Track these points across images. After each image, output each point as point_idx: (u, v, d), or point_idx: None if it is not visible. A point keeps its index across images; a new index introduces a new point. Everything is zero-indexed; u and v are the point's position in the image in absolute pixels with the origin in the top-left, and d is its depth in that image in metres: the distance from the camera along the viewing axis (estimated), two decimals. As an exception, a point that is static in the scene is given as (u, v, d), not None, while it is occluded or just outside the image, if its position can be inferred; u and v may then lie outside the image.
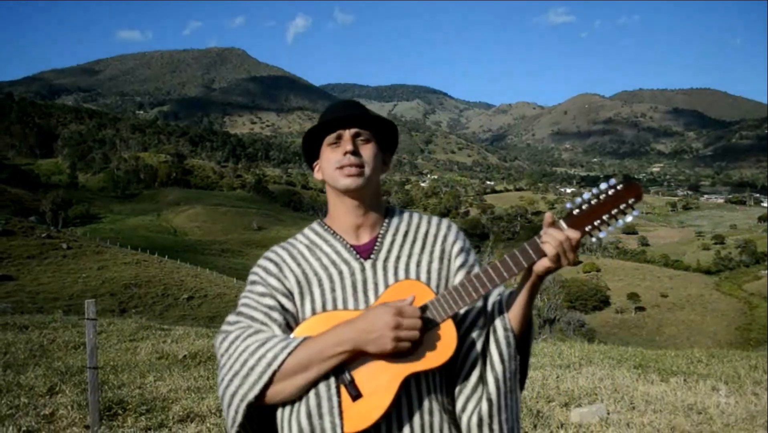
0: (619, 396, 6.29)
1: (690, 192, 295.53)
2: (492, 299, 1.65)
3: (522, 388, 1.68)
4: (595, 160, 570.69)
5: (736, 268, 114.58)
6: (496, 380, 1.56)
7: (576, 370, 7.79)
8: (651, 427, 5.23)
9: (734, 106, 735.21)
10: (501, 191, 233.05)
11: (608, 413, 5.63)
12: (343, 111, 1.62)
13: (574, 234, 1.46)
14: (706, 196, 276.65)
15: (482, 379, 1.58)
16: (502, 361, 1.57)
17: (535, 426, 5.26)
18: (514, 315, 1.59)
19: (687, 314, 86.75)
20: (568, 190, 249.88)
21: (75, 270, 45.08)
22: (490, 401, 1.55)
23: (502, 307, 1.61)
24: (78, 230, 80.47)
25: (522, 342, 1.63)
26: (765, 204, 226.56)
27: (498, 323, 1.59)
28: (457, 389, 1.59)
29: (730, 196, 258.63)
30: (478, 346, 1.59)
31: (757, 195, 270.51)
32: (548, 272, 1.49)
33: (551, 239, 1.45)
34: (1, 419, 5.31)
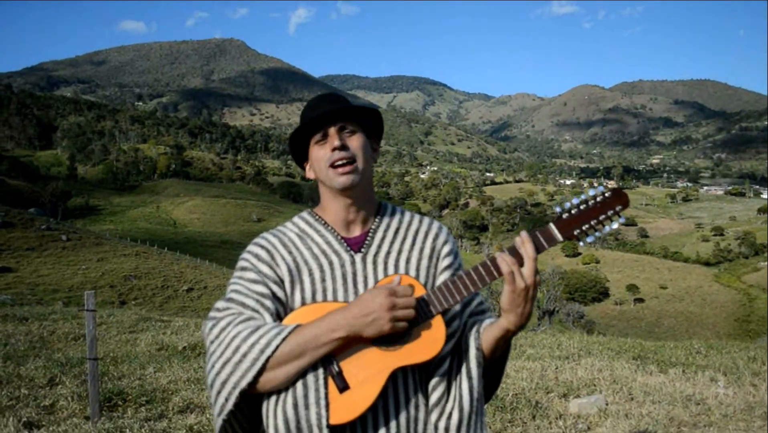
0: (617, 387, 6.30)
1: (689, 183, 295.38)
2: (471, 308, 1.69)
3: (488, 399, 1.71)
4: (595, 151, 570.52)
5: (736, 259, 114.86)
6: (470, 389, 1.58)
7: (575, 361, 7.80)
8: (649, 418, 5.24)
9: (734, 97, 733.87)
10: (500, 183, 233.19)
11: (607, 404, 5.65)
12: (325, 106, 1.62)
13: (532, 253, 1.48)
14: (705, 187, 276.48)
15: (454, 386, 1.59)
16: (473, 378, 1.59)
17: (533, 417, 5.28)
18: (488, 337, 1.59)
19: (686, 305, 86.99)
20: (568, 182, 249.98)
21: (74, 262, 45.05)
22: (461, 409, 1.56)
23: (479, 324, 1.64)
24: (77, 222, 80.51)
25: (496, 363, 1.66)
26: (765, 196, 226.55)
27: (472, 341, 1.60)
28: (429, 387, 1.60)
29: (730, 187, 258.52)
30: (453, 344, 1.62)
31: (757, 187, 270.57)
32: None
33: (504, 264, 1.49)
34: (2, 410, 5.32)
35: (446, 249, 1.69)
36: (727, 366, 7.57)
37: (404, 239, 1.67)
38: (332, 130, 1.59)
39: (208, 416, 5.27)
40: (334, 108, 1.59)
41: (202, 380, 6.61)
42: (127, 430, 4.95)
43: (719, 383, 6.45)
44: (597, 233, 1.53)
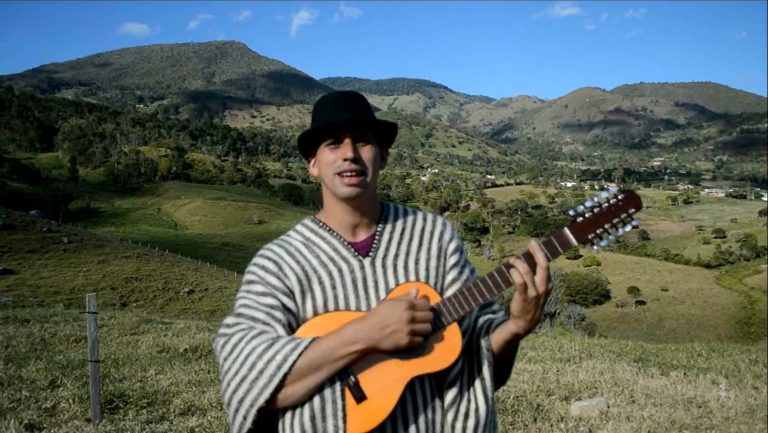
0: (619, 390, 6.30)
1: (691, 186, 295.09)
2: (483, 317, 1.68)
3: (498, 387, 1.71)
4: (596, 153, 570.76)
5: (737, 262, 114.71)
6: (484, 389, 1.58)
7: (576, 363, 7.80)
8: (651, 420, 5.24)
9: (736, 100, 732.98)
10: (501, 185, 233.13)
11: (608, 407, 5.64)
12: (343, 111, 1.56)
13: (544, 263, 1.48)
14: (707, 189, 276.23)
15: (468, 386, 1.59)
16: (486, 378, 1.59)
17: (535, 419, 5.27)
18: (498, 337, 1.59)
19: (687, 308, 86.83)
20: (569, 184, 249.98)
21: (76, 264, 45.02)
22: (477, 410, 1.56)
23: (490, 324, 1.63)
24: (79, 224, 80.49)
25: (506, 359, 1.67)
26: (765, 198, 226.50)
27: (483, 342, 1.60)
28: (444, 388, 1.59)
29: (731, 190, 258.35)
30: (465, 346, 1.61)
31: (758, 189, 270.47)
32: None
33: (518, 274, 1.48)
34: (3, 412, 5.32)
35: (452, 246, 1.67)
36: (728, 369, 7.57)
37: (411, 239, 1.65)
38: (347, 139, 1.54)
39: (209, 418, 5.27)
40: (353, 119, 1.54)
41: (204, 383, 6.61)
42: (129, 432, 4.95)
43: (721, 386, 6.44)
44: (611, 237, 1.51)
